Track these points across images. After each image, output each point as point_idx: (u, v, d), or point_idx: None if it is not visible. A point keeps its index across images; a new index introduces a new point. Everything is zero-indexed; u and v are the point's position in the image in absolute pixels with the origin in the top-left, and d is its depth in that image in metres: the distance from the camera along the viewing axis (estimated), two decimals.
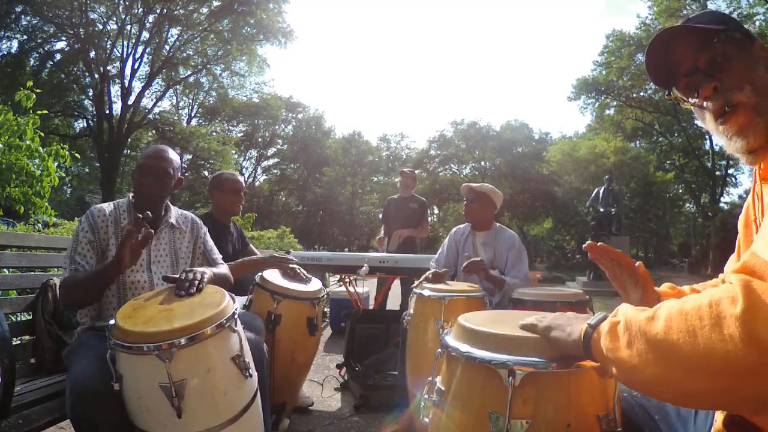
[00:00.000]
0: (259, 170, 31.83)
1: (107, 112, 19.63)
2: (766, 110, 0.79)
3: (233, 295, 1.31)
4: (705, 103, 0.84)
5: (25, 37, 19.29)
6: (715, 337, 0.55)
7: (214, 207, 2.60)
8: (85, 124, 22.11)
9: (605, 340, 0.70)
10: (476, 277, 2.50)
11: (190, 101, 27.29)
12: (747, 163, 0.83)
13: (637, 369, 0.64)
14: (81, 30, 18.78)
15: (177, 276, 1.37)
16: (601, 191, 12.21)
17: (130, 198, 1.69)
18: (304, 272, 2.36)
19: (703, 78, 0.84)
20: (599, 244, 1.12)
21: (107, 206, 1.63)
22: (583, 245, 1.14)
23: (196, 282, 1.33)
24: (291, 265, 2.32)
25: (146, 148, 1.74)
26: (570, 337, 0.79)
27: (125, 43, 19.92)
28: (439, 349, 1.02)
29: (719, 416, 0.79)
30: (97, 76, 19.45)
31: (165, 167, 1.65)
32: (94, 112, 20.26)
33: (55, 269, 2.27)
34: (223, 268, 1.82)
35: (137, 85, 20.94)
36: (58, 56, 20.04)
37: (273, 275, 2.26)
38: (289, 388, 2.18)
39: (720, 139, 0.85)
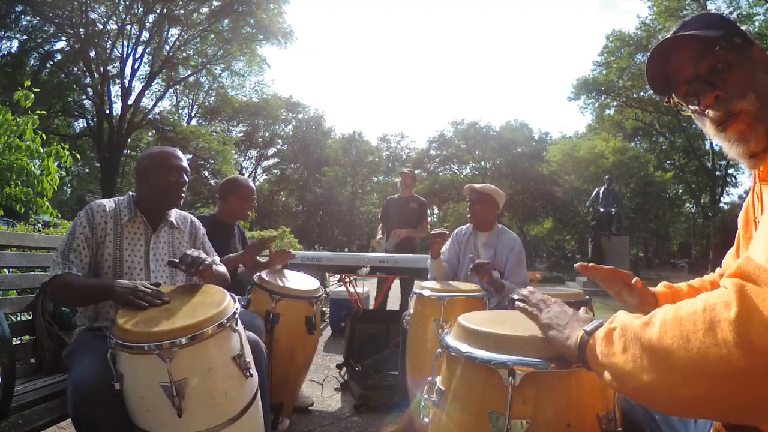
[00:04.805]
0: (259, 170, 31.83)
1: (107, 112, 19.61)
2: (766, 116, 0.79)
3: (234, 294, 1.31)
4: (707, 111, 0.84)
5: (25, 37, 19.28)
6: (709, 342, 0.55)
7: (225, 209, 2.59)
8: (85, 124, 22.10)
9: (601, 345, 0.70)
10: (477, 278, 2.50)
11: (190, 101, 27.30)
12: (748, 166, 0.84)
13: (631, 375, 0.64)
14: (81, 30, 18.77)
15: (177, 260, 1.43)
16: (601, 191, 12.22)
17: (131, 196, 1.69)
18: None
19: (704, 86, 0.84)
20: (590, 265, 1.15)
21: (108, 203, 1.63)
22: (575, 266, 1.17)
23: (198, 262, 1.37)
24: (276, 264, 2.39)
25: (157, 150, 1.75)
26: (567, 341, 0.79)
27: (125, 43, 19.91)
28: (439, 349, 1.03)
29: None
30: (97, 76, 19.43)
31: (187, 168, 1.73)
32: (94, 112, 20.23)
33: None
34: (221, 268, 1.83)
35: (137, 85, 20.95)
36: (58, 56, 20.01)
37: (271, 275, 2.26)
38: (288, 388, 2.18)
39: (721, 143, 0.85)
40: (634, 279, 1.11)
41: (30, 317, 1.92)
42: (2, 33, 18.40)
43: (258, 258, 2.62)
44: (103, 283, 1.41)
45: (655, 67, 0.91)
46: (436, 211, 29.07)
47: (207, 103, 27.13)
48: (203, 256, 1.41)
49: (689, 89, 0.87)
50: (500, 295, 2.34)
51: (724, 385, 0.55)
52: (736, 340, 0.53)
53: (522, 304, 0.93)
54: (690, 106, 0.88)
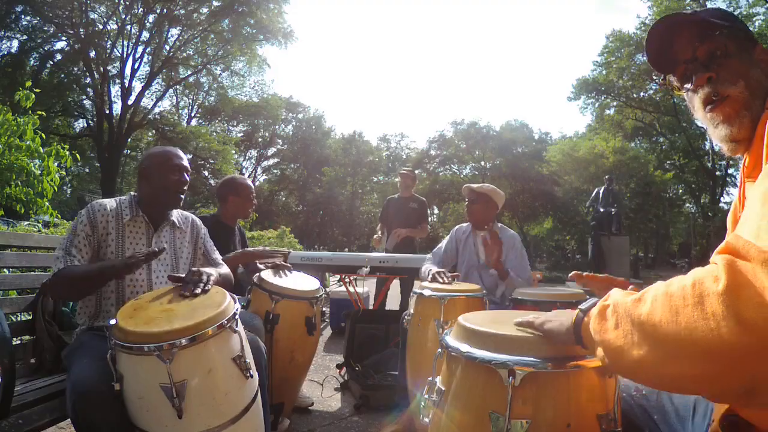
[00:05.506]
0: (259, 170, 31.80)
1: (107, 112, 19.60)
2: (754, 107, 0.81)
3: (234, 295, 1.31)
4: (697, 89, 0.87)
5: (25, 37, 19.27)
6: (697, 316, 0.55)
7: (225, 209, 2.59)
8: (85, 124, 22.12)
9: (594, 323, 0.71)
10: (476, 274, 2.51)
11: (190, 101, 27.28)
12: (728, 151, 0.85)
13: (622, 350, 0.64)
14: (81, 30, 18.77)
15: (183, 276, 1.38)
16: (601, 191, 12.22)
17: (132, 195, 1.69)
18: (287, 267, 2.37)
19: (700, 68, 0.86)
20: (584, 274, 1.17)
21: (109, 202, 1.63)
22: (569, 276, 1.18)
23: (202, 283, 1.34)
24: (276, 261, 2.34)
25: (158, 149, 1.76)
26: (563, 325, 0.81)
27: (125, 43, 19.90)
28: (439, 349, 1.03)
29: (716, 416, 0.79)
30: (97, 76, 19.43)
31: (188, 167, 1.74)
32: (94, 112, 20.24)
33: None
34: (225, 269, 1.83)
35: (137, 85, 20.94)
36: (58, 56, 20.01)
37: (271, 275, 2.26)
38: (288, 388, 2.18)
39: (705, 125, 0.87)
40: (630, 287, 1.11)
41: (30, 317, 1.93)
42: (2, 33, 18.40)
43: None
44: (103, 263, 1.46)
45: (656, 42, 0.93)
46: (436, 211, 29.07)
47: (207, 103, 27.12)
48: (205, 277, 1.37)
49: (686, 69, 0.89)
50: (503, 285, 2.40)
51: (712, 362, 0.54)
52: (724, 313, 0.52)
53: (517, 322, 0.94)
54: (684, 85, 0.90)
